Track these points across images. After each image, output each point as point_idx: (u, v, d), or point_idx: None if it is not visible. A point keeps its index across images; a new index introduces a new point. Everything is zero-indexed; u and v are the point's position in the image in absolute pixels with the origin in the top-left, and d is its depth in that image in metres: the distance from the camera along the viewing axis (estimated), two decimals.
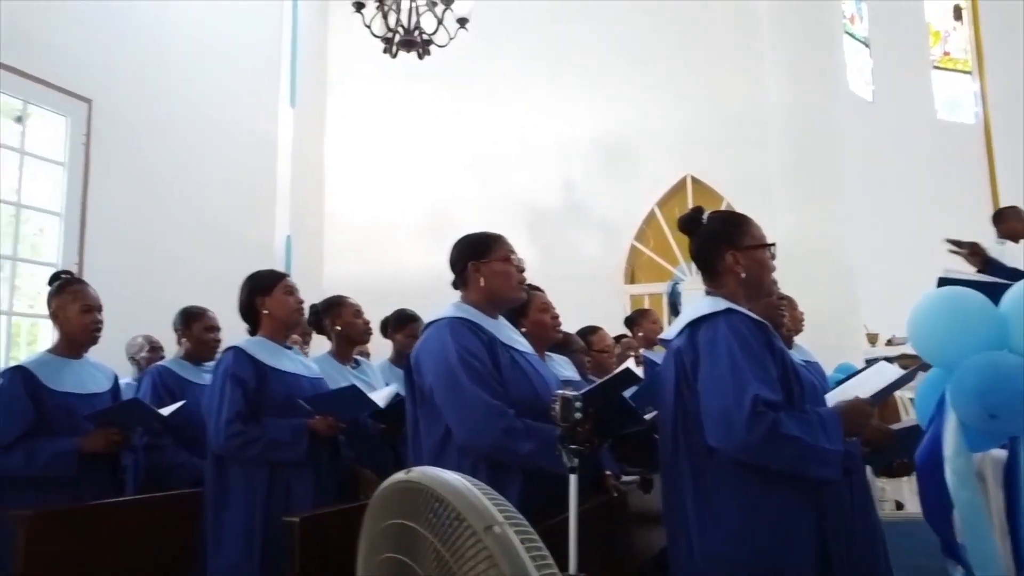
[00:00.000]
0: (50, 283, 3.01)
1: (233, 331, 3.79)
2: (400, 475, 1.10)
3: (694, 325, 1.97)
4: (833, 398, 2.15)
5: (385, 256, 6.97)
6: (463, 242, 2.40)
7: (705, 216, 2.14)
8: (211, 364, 3.44)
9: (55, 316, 2.91)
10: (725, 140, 6.30)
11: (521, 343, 2.42)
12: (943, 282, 2.32)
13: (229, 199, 6.10)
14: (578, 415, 1.77)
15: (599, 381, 2.35)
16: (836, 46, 6.63)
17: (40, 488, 2.67)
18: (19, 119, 4.78)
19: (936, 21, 8.56)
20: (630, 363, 2.40)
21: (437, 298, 2.82)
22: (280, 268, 5.83)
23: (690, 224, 2.14)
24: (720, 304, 1.96)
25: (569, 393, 1.80)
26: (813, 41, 6.16)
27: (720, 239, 2.06)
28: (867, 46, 7.90)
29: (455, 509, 0.98)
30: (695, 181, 6.51)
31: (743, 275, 2.02)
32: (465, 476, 1.04)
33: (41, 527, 2.42)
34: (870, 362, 5.61)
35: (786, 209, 5.73)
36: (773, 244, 2.10)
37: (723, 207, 6.22)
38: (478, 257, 2.34)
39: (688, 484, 1.94)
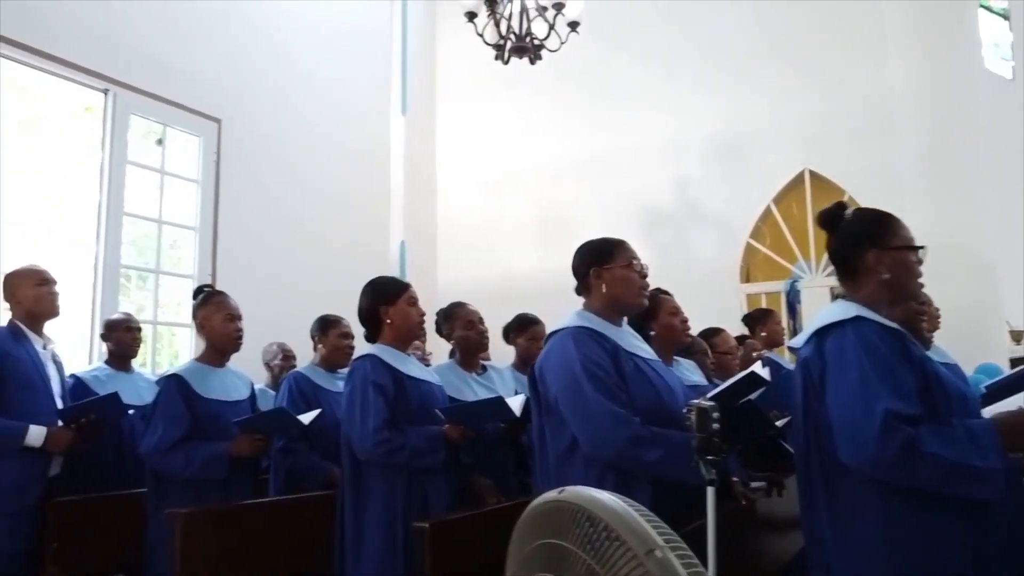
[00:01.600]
0: (194, 296, 3.21)
1: (357, 337, 3.94)
2: (552, 494, 1.09)
3: (821, 333, 1.86)
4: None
5: (498, 260, 7.01)
6: (584, 248, 2.39)
7: (848, 212, 2.02)
8: (344, 371, 3.59)
9: (201, 326, 3.10)
10: (846, 130, 5.98)
11: (645, 350, 2.39)
12: None
13: (347, 208, 6.32)
14: (715, 425, 1.73)
15: (722, 385, 2.28)
16: (970, 21, 6.20)
17: (195, 489, 2.84)
18: (159, 141, 5.12)
19: None
20: (756, 366, 2.33)
21: (551, 301, 2.81)
22: (396, 274, 6.00)
23: (831, 220, 2.00)
24: (850, 310, 1.84)
25: (705, 403, 1.76)
26: (943, 17, 5.77)
27: (863, 237, 1.92)
28: (1006, 19, 7.34)
29: (613, 531, 0.97)
30: (814, 175, 6.21)
31: (886, 276, 1.88)
32: (621, 496, 1.03)
33: (194, 525, 2.58)
34: (1016, 362, 5.24)
35: (918, 200, 5.39)
36: (923, 247, 1.95)
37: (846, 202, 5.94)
38: (600, 263, 2.33)
39: (823, 501, 1.84)
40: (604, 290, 2.31)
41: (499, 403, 2.78)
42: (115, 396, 3.19)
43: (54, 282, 3.27)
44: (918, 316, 2.94)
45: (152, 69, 4.87)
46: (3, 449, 2.84)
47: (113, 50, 4.65)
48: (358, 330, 3.70)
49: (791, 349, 2.04)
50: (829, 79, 6.10)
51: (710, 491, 1.73)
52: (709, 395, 2.14)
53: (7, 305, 3.24)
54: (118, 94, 4.71)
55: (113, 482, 3.26)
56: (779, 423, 2.69)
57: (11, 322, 3.15)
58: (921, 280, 1.97)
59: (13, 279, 3.22)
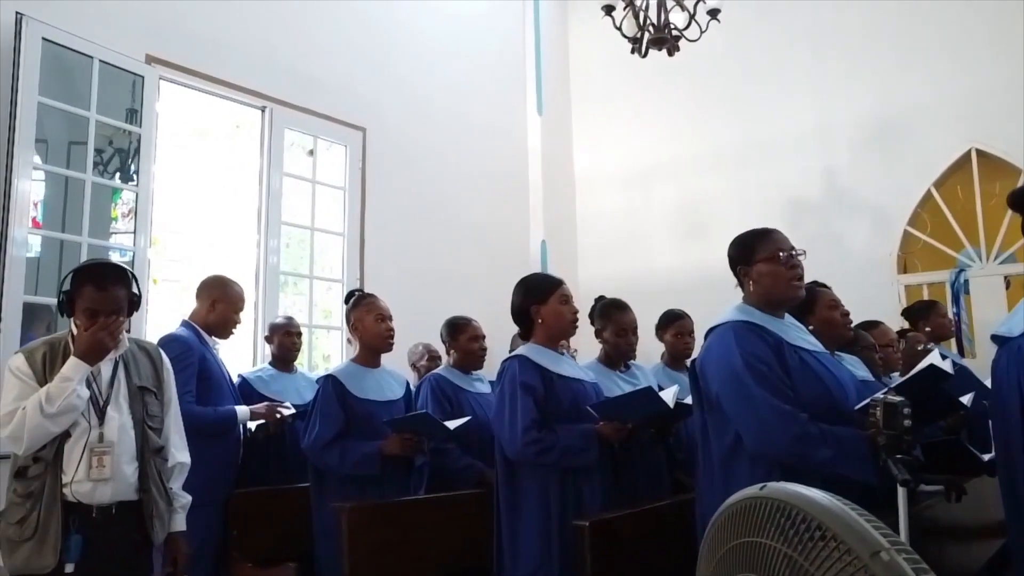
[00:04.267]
0: (346, 301, 3.35)
1: (501, 336, 3.98)
2: (751, 491, 1.04)
3: None
4: None
5: (640, 255, 6.88)
6: (731, 245, 2.34)
7: None
8: (479, 372, 3.63)
9: (355, 328, 3.22)
10: (1021, 101, 5.44)
11: (812, 342, 2.28)
12: None
13: (488, 208, 6.41)
14: (907, 422, 1.61)
15: (901, 380, 2.12)
16: None
17: (353, 484, 2.97)
18: (311, 152, 5.39)
19: None
20: (934, 357, 2.18)
21: (695, 296, 2.73)
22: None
23: None
24: None
25: (894, 398, 1.65)
26: None
27: None
28: None
29: (829, 530, 0.91)
30: (981, 154, 5.69)
31: None
32: (832, 494, 0.97)
33: (358, 519, 2.69)
34: None
35: None
36: None
37: (1021, 181, 5.42)
38: (745, 260, 2.28)
39: None
40: (752, 287, 2.26)
41: (650, 394, 2.72)
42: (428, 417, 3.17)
43: (243, 310, 3.47)
44: None
45: (303, 84, 5.13)
46: (225, 430, 3.12)
47: (269, 69, 4.93)
48: (495, 330, 3.76)
49: (995, 338, 1.86)
50: (999, 45, 5.54)
51: (901, 492, 1.61)
52: (885, 391, 2.01)
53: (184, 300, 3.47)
54: (274, 110, 4.99)
55: (282, 476, 3.46)
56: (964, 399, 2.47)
57: (191, 325, 3.33)
58: None
59: (223, 290, 3.40)
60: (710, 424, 2.19)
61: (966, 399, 2.95)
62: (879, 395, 1.69)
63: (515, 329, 2.99)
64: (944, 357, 3.17)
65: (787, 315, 2.34)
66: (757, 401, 2.01)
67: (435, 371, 3.78)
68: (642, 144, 7.13)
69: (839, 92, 6.19)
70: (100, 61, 3.94)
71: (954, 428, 3.29)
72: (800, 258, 2.24)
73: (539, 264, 6.62)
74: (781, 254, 2.22)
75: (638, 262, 6.82)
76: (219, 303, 3.36)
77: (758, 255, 2.24)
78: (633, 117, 7.19)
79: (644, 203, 7.06)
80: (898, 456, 1.62)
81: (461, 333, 3.65)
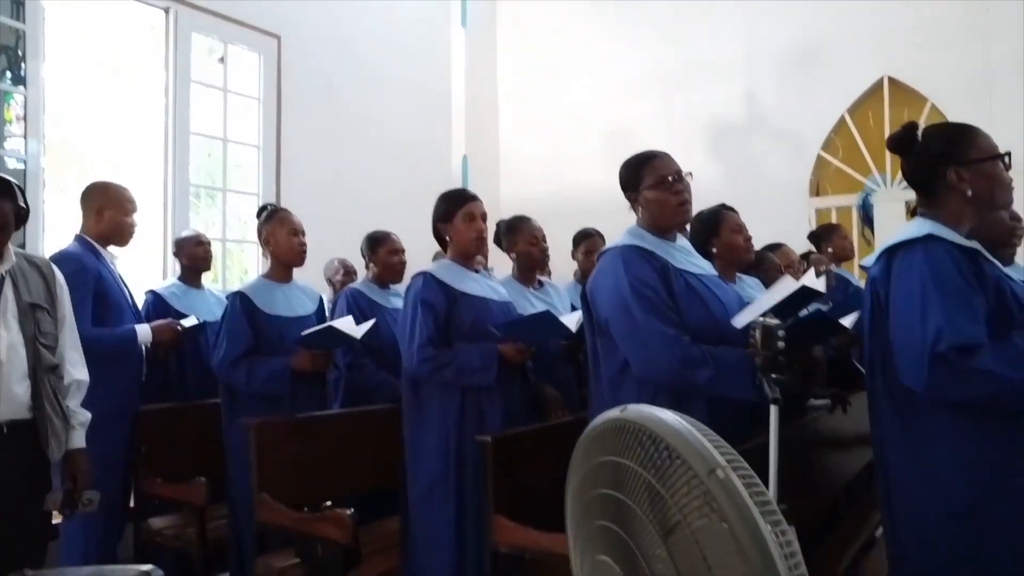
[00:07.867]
0: (258, 215, 3.27)
1: (419, 251, 3.98)
2: (614, 412, 1.09)
3: (891, 252, 1.81)
4: None
5: (562, 175, 6.87)
6: (621, 168, 2.33)
7: (919, 132, 1.93)
8: (398, 287, 3.64)
9: (266, 242, 3.17)
10: (932, 35, 5.55)
11: (697, 265, 2.32)
12: None
13: (408, 122, 6.25)
14: (781, 344, 1.70)
15: (774, 298, 2.21)
16: None
17: (265, 401, 2.96)
18: (221, 59, 5.12)
19: None
20: (808, 277, 2.27)
21: (617, 216, 2.76)
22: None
23: (902, 144, 1.92)
24: (923, 228, 1.78)
25: (771, 321, 1.73)
26: None
27: (939, 157, 1.84)
28: None
29: (675, 450, 0.97)
30: (893, 82, 5.85)
31: (969, 193, 1.80)
32: (683, 416, 1.03)
33: (267, 435, 2.71)
34: None
35: (1007, 110, 5.05)
36: (1007, 154, 1.86)
37: (926, 109, 5.61)
38: (631, 186, 2.28)
39: (892, 422, 1.82)
40: (641, 212, 2.28)
41: (549, 317, 2.74)
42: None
43: (136, 211, 3.26)
44: (1011, 233, 2.82)
45: None
46: (125, 352, 3.06)
47: None
48: (413, 243, 3.76)
49: (863, 268, 1.97)
50: None
51: (773, 410, 1.72)
52: (755, 304, 2.09)
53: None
54: (179, 11, 4.69)
55: (201, 391, 3.42)
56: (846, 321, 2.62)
57: (84, 240, 3.12)
58: (1012, 186, 1.87)
59: (106, 195, 3.16)
60: (600, 348, 2.22)
61: (850, 319, 3.13)
62: (759, 318, 1.77)
63: (435, 244, 2.99)
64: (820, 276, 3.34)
65: (680, 238, 2.37)
66: (643, 326, 2.05)
67: (352, 285, 3.76)
68: (568, 63, 7.04)
69: (764, 18, 6.21)
70: None
71: (843, 346, 3.48)
72: (688, 179, 2.25)
73: (460, 180, 6.56)
74: (668, 179, 2.22)
75: (562, 182, 6.82)
76: (106, 210, 3.13)
77: (645, 180, 2.24)
78: (559, 35, 7.07)
79: (568, 122, 7.01)
80: (773, 376, 1.71)
81: (380, 246, 3.65)
